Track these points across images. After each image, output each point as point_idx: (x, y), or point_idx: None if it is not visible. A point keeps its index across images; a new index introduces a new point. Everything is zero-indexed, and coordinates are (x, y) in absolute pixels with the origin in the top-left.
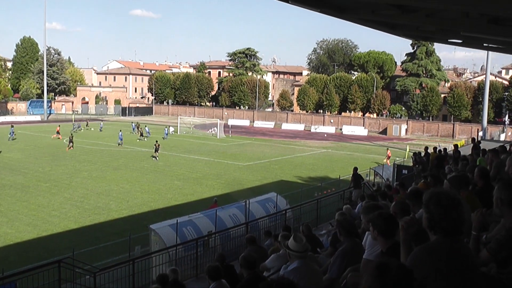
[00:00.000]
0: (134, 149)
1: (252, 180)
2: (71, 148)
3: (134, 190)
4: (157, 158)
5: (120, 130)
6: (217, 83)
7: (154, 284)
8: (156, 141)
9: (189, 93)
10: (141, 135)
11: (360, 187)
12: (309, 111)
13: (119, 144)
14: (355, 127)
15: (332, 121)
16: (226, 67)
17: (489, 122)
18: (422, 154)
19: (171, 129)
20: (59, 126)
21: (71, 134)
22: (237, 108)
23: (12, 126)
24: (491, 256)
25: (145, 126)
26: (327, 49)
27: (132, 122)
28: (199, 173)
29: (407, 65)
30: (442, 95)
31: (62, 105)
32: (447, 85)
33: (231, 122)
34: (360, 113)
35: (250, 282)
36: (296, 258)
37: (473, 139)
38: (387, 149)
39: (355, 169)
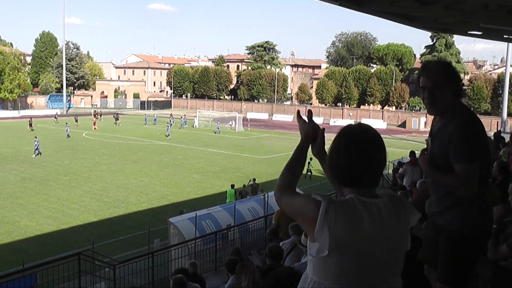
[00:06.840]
0: (152, 142)
1: (270, 174)
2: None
3: (153, 184)
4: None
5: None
6: (235, 77)
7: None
8: None
9: (208, 87)
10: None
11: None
12: (327, 105)
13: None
14: (374, 120)
15: (351, 114)
16: (245, 60)
17: (509, 114)
18: None
19: (196, 122)
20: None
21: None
22: (255, 101)
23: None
24: (510, 251)
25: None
26: (345, 42)
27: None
28: (218, 166)
29: (426, 58)
30: None
31: (81, 99)
32: (467, 77)
33: (250, 115)
34: (379, 106)
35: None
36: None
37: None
38: None
39: None
